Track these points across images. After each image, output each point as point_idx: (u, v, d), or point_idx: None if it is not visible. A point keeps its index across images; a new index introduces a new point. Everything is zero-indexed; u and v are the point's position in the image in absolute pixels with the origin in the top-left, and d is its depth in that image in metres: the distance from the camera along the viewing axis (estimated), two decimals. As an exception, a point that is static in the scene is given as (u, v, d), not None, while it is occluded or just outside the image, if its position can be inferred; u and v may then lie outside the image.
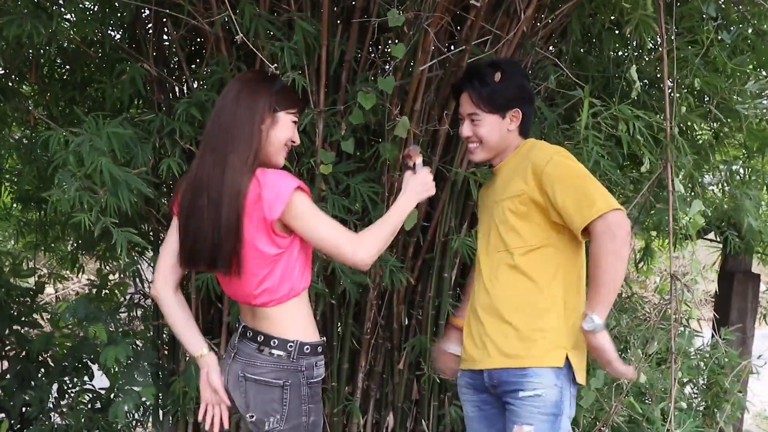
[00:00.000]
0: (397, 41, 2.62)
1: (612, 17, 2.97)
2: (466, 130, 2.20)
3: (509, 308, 2.11)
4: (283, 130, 2.00)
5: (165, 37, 3.04)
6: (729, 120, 3.22)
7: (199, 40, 3.10)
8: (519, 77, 2.19)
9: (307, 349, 2.00)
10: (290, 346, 1.98)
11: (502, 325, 2.12)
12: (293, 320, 2.01)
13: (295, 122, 2.04)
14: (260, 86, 1.98)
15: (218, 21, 2.60)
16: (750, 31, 3.07)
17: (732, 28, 3.00)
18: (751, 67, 3.15)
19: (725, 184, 3.43)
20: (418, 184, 2.12)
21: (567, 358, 2.07)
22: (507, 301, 2.12)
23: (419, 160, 2.15)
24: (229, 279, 2.01)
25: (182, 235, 1.98)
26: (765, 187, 3.43)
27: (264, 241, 1.92)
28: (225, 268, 1.94)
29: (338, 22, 2.82)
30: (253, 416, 2.01)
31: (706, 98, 3.20)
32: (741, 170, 3.42)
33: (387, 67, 2.83)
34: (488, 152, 2.21)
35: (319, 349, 2.03)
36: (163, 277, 2.04)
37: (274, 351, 1.98)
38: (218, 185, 1.89)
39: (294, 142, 2.05)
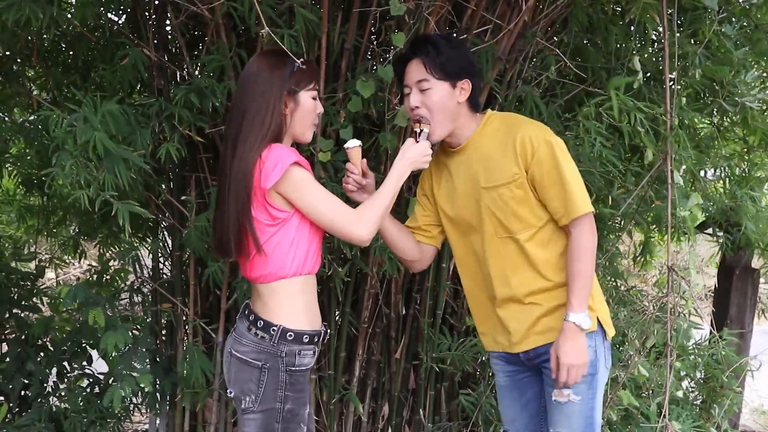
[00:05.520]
0: (397, 30, 2.61)
1: (614, 8, 2.95)
2: (414, 99, 2.11)
3: (531, 291, 2.13)
4: (306, 108, 2.04)
5: (167, 22, 3.04)
6: (732, 114, 3.21)
7: (201, 26, 3.10)
8: (467, 50, 2.19)
9: (290, 336, 2.00)
10: (273, 330, 2.00)
11: (527, 307, 2.13)
12: (281, 304, 2.02)
13: (314, 97, 2.07)
14: (273, 73, 2.01)
15: (219, 8, 2.59)
16: (746, 23, 3.05)
17: (734, 20, 2.98)
18: (750, 61, 3.13)
19: (726, 180, 3.41)
20: (416, 153, 2.09)
21: (597, 319, 2.12)
22: (526, 286, 2.13)
23: (426, 129, 2.11)
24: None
25: (213, 227, 2.07)
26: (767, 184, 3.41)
27: (260, 210, 1.97)
28: (247, 252, 2.00)
29: (341, 6, 2.81)
30: (231, 392, 2.05)
31: (707, 92, 3.18)
32: (742, 164, 3.40)
33: (388, 56, 2.82)
34: (442, 128, 2.12)
35: (305, 338, 2.02)
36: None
37: (258, 332, 2.01)
38: (233, 177, 1.96)
39: (320, 113, 2.10)
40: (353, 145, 2.13)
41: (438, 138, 2.15)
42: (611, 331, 2.18)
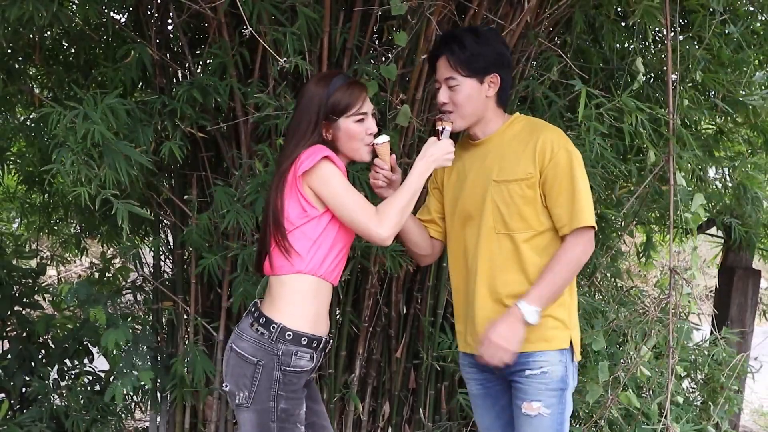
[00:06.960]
0: (399, 29, 2.61)
1: (616, 9, 2.95)
2: (442, 96, 2.12)
3: (513, 294, 2.10)
4: (349, 134, 2.07)
5: (169, 21, 3.04)
6: (735, 114, 3.20)
7: (203, 24, 3.10)
8: (497, 43, 2.15)
9: (289, 335, 2.01)
10: (273, 327, 2.01)
11: (505, 309, 2.10)
12: (288, 302, 2.03)
13: (359, 120, 2.07)
14: (313, 99, 2.05)
15: (221, 7, 2.59)
16: (758, 24, 3.04)
17: (740, 22, 2.97)
18: (757, 62, 3.12)
19: (728, 179, 3.41)
20: (438, 150, 2.09)
21: (570, 340, 2.12)
22: (511, 286, 2.11)
23: (449, 127, 2.11)
24: None
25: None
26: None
27: (293, 203, 2.00)
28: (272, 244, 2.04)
29: (343, 6, 2.80)
30: (227, 386, 2.06)
31: (712, 92, 3.17)
32: (746, 166, 3.39)
33: (390, 55, 2.82)
34: (465, 120, 2.13)
35: (304, 341, 2.02)
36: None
37: (260, 328, 2.03)
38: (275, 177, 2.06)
39: (371, 133, 2.10)
40: (382, 140, 2.12)
41: (459, 128, 2.15)
42: (578, 356, 2.19)
